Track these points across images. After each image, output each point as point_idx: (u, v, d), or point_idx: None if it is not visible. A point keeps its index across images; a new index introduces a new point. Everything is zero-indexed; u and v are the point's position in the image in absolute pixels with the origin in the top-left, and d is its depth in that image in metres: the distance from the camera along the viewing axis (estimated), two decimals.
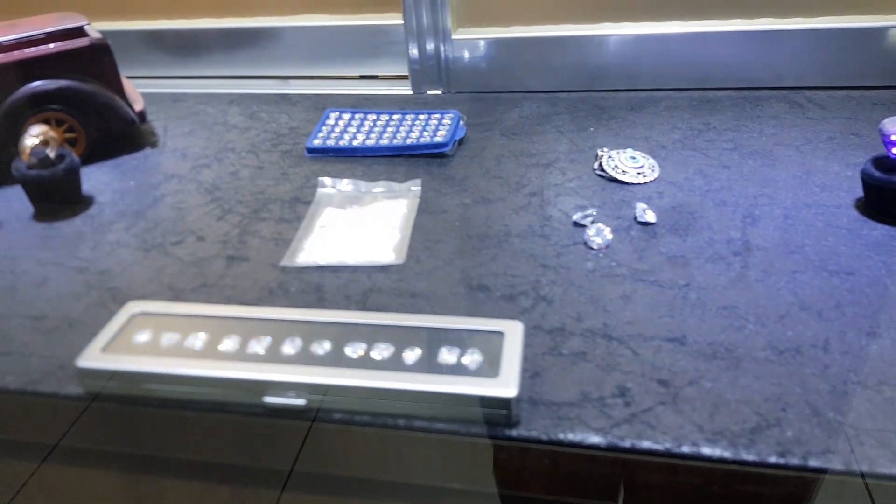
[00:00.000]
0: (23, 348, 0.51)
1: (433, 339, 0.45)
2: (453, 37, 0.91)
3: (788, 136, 0.75)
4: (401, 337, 0.45)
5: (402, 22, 0.95)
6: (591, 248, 0.57)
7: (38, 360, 0.49)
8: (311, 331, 0.46)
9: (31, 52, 0.74)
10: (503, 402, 0.40)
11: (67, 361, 0.49)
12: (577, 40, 0.89)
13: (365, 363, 0.43)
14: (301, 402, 0.43)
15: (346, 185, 0.70)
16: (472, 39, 0.91)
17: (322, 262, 0.58)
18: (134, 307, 0.50)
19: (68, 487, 0.52)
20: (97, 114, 0.78)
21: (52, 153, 0.67)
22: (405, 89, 0.96)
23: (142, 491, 0.52)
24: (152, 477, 0.53)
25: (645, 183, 0.67)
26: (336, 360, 0.44)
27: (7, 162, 0.75)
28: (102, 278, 0.58)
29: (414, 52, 0.92)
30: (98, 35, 0.81)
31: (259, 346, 0.45)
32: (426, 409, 0.42)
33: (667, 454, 0.39)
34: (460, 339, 0.44)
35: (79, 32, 0.85)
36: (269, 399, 0.43)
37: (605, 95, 0.89)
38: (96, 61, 0.78)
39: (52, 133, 0.67)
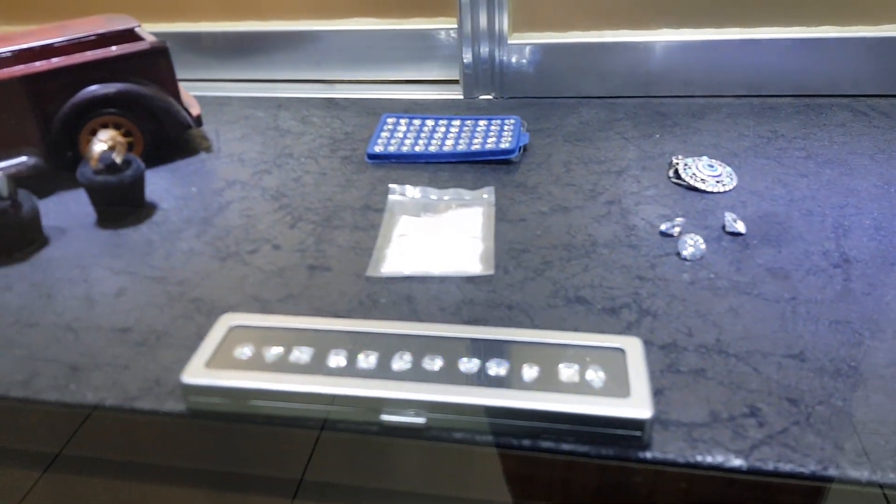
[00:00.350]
0: (113, 362, 0.49)
1: (549, 355, 0.43)
2: (509, 42, 0.89)
3: (859, 144, 0.74)
4: (514, 352, 0.44)
5: (449, 26, 0.94)
6: (686, 260, 0.56)
7: (132, 375, 0.48)
8: (420, 345, 0.45)
9: (91, 54, 0.72)
10: (637, 424, 0.39)
11: (163, 376, 0.47)
12: (633, 46, 0.88)
13: (481, 380, 0.42)
14: (421, 420, 0.41)
15: (416, 192, 0.69)
16: (527, 45, 0.89)
17: (407, 272, 0.57)
18: (229, 320, 0.48)
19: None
20: (155, 118, 0.76)
21: (118, 158, 0.65)
22: (455, 94, 0.95)
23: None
24: (234, 494, 0.52)
25: (725, 192, 0.66)
26: (451, 376, 0.42)
27: (63, 167, 0.74)
28: (183, 288, 0.57)
29: (468, 56, 0.91)
30: (153, 37, 0.79)
31: (368, 360, 0.44)
32: (551, 430, 0.40)
33: (812, 477, 0.38)
34: (578, 356, 0.43)
35: (131, 34, 0.83)
36: (387, 417, 0.41)
37: (664, 101, 0.88)
38: (155, 64, 0.77)
39: (120, 138, 0.65)
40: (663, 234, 0.60)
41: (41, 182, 0.73)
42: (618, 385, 0.41)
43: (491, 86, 0.93)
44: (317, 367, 0.44)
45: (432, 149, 0.77)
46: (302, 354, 0.45)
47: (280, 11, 0.99)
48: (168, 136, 0.79)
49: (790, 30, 0.85)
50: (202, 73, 1.03)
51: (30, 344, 0.51)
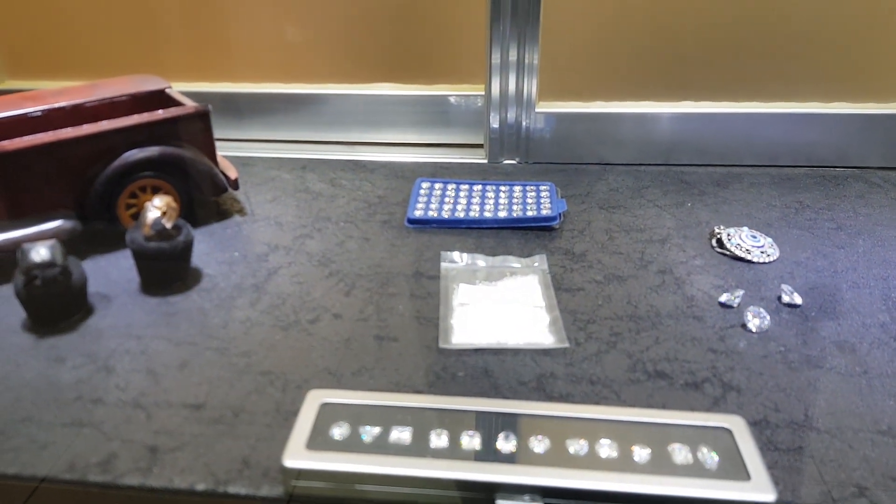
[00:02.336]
0: (193, 442, 0.47)
1: (655, 435, 0.43)
2: (536, 109, 0.92)
3: (882, 216, 0.78)
4: (620, 432, 0.44)
5: (470, 92, 0.96)
6: (752, 332, 0.57)
7: (217, 457, 0.46)
8: (522, 425, 0.44)
9: (137, 118, 0.71)
10: None
11: (250, 457, 0.46)
12: (655, 117, 0.91)
13: (593, 462, 0.42)
14: None
15: (467, 259, 0.69)
16: (553, 112, 0.92)
17: (480, 343, 0.57)
18: (318, 397, 0.47)
19: None
20: (193, 181, 0.75)
21: (168, 224, 0.64)
22: (479, 158, 0.96)
23: None
24: None
25: (770, 262, 0.68)
26: (561, 458, 0.42)
27: (99, 230, 0.72)
28: (249, 360, 0.55)
29: (495, 122, 0.93)
30: (186, 99, 0.79)
31: (472, 442, 0.43)
32: None
33: None
34: (685, 436, 0.43)
35: (162, 95, 0.83)
36: (503, 502, 0.41)
37: (685, 170, 0.91)
38: (195, 127, 0.76)
39: (173, 204, 0.64)
40: (723, 305, 0.61)
41: (76, 245, 0.71)
42: (734, 467, 0.41)
43: (516, 151, 0.95)
44: (420, 448, 0.43)
45: (473, 214, 0.78)
46: (402, 434, 0.44)
47: (304, 75, 1.00)
48: (204, 199, 0.78)
49: (805, 105, 0.89)
50: (224, 133, 1.02)
51: (98, 422, 0.49)
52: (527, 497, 0.40)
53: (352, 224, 0.78)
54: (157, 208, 0.63)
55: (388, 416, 0.45)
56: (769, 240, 0.71)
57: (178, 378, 0.53)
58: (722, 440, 0.43)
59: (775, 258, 0.69)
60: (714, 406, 0.49)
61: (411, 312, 0.61)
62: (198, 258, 0.70)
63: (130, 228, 0.65)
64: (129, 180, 0.71)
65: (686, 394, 0.51)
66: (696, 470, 0.41)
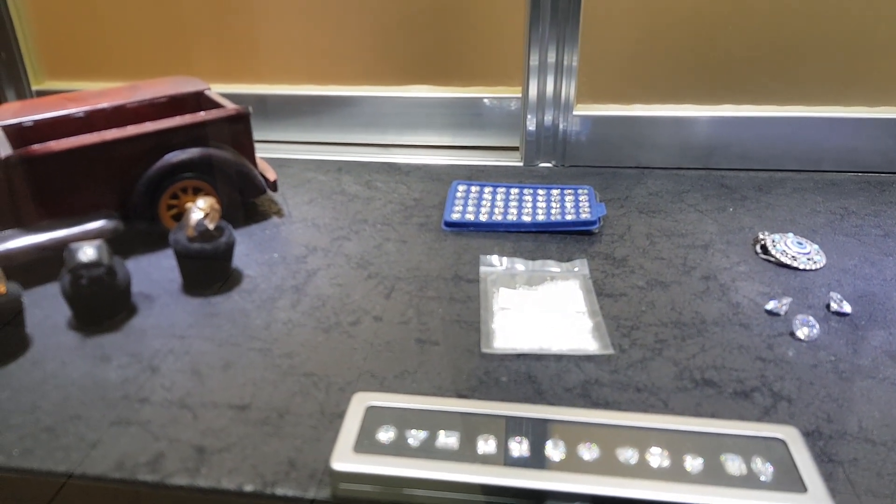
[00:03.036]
0: (239, 443, 0.47)
1: (707, 445, 0.43)
2: (574, 112, 0.91)
3: None
4: (672, 441, 0.43)
5: (505, 95, 0.96)
6: (801, 341, 0.56)
7: (262, 458, 0.46)
8: (570, 431, 0.44)
9: (180, 119, 0.72)
10: None
11: (297, 458, 0.46)
12: (695, 120, 0.90)
13: (644, 471, 0.41)
14: None
15: (506, 263, 0.69)
16: (591, 115, 0.91)
17: (522, 348, 0.56)
18: (364, 400, 0.47)
19: None
20: (233, 182, 0.76)
21: (211, 225, 0.64)
22: (514, 161, 0.96)
23: None
24: None
25: (816, 270, 0.67)
26: (611, 466, 0.41)
27: (141, 230, 0.73)
28: (292, 362, 0.55)
29: (531, 125, 0.92)
30: (225, 100, 0.80)
31: (521, 448, 0.43)
32: None
33: None
34: (738, 446, 0.42)
35: (201, 97, 0.84)
36: None
37: (725, 174, 0.90)
38: (235, 129, 0.77)
39: (216, 205, 0.64)
40: (769, 312, 0.60)
41: (118, 245, 0.71)
42: (790, 479, 0.40)
43: (552, 154, 0.94)
44: (468, 453, 0.43)
45: (510, 218, 0.77)
46: (449, 439, 0.44)
47: (338, 77, 1.00)
48: (243, 201, 0.79)
49: (850, 109, 0.88)
50: (259, 135, 1.03)
51: (145, 421, 0.49)
52: None
53: (389, 227, 0.78)
54: (200, 210, 0.63)
55: (434, 421, 0.45)
56: (815, 246, 0.69)
57: (222, 379, 0.54)
58: (776, 451, 0.42)
59: (822, 265, 0.67)
60: (765, 416, 0.48)
61: (452, 316, 0.61)
62: (238, 259, 0.71)
63: (174, 229, 0.65)
64: (170, 181, 0.72)
65: (735, 403, 0.50)
66: (750, 481, 0.40)
